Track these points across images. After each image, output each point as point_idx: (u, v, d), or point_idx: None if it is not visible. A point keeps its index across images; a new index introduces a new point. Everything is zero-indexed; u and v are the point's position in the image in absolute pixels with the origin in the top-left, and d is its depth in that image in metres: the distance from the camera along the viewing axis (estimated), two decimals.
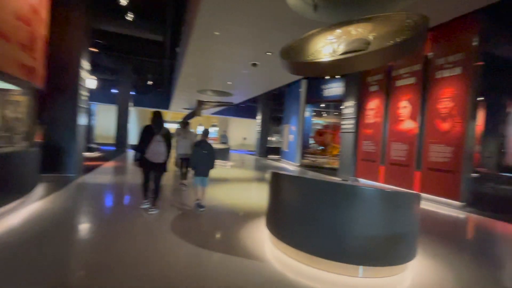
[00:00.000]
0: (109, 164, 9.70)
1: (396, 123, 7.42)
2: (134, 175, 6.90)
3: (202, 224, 3.90)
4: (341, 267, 2.44)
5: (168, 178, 7.08)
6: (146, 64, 14.93)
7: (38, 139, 5.16)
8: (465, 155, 5.68)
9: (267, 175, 9.77)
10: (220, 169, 10.02)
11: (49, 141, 5.87)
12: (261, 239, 3.20)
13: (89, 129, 18.43)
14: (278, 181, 3.06)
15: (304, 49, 3.24)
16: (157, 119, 3.95)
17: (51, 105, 6.02)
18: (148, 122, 4.03)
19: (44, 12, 4.57)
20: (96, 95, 18.47)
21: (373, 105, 8.31)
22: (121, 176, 8.13)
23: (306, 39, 3.46)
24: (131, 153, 11.81)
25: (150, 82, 18.24)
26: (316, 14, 3.58)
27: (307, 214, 2.63)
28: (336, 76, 12.48)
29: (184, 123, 6.49)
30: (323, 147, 15.68)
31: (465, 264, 2.98)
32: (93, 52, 10.08)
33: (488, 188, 8.17)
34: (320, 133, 16.31)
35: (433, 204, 5.92)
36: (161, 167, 4.01)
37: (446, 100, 6.13)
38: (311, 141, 16.79)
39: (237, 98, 16.51)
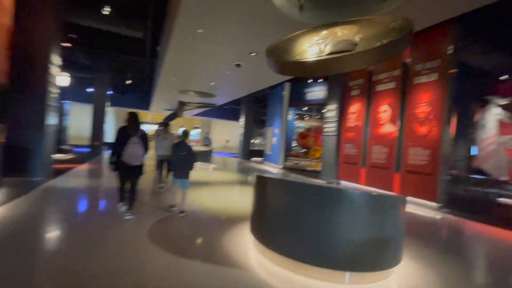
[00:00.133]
0: (83, 167, 9.12)
1: (377, 126, 7.60)
2: (109, 179, 6.50)
3: (182, 230, 3.69)
4: (328, 274, 2.36)
5: (147, 181, 6.76)
6: (125, 62, 14.31)
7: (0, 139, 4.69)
8: (441, 158, 5.90)
9: (251, 178, 9.64)
10: (202, 171, 9.75)
11: (12, 141, 5.36)
12: (246, 246, 3.06)
13: (62, 129, 17.40)
14: (263, 185, 2.95)
15: (290, 49, 3.17)
16: (133, 120, 3.79)
17: (16, 102, 5.52)
18: (124, 123, 3.83)
19: (7, 0, 4.17)
20: (70, 94, 17.49)
21: (355, 108, 8.47)
22: (96, 179, 7.65)
23: (292, 39, 3.40)
24: (107, 155, 11.24)
25: (129, 81, 17.53)
26: (302, 15, 3.54)
27: (293, 219, 2.53)
28: (319, 80, 12.67)
29: (165, 124, 6.43)
30: (305, 150, 15.84)
31: (449, 266, 3.01)
32: (66, 47, 9.50)
33: (460, 189, 8.60)
34: (303, 135, 16.49)
35: (411, 206, 6.08)
36: (138, 170, 3.84)
37: (423, 104, 6.35)
38: (294, 143, 16.92)
39: (220, 100, 16.27)
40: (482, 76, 10.37)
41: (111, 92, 18.15)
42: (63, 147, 12.91)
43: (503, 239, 4.29)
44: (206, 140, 13.34)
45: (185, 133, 4.36)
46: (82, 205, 4.76)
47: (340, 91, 9.05)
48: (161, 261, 2.58)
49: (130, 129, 3.72)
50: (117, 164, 3.70)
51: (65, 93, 15.59)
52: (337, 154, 8.97)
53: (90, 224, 3.60)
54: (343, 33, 2.99)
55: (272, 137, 14.13)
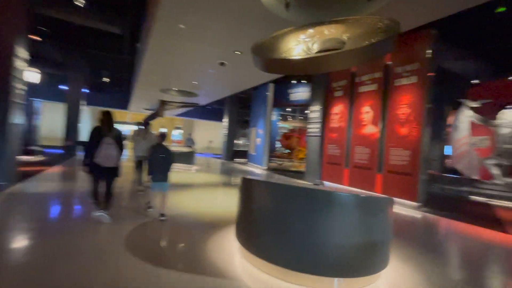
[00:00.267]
0: (54, 170, 8.51)
1: (359, 127, 7.72)
2: (83, 182, 6.08)
3: (162, 236, 3.47)
4: (316, 280, 2.27)
5: (125, 183, 6.40)
6: (102, 59, 13.60)
7: None
8: (421, 158, 6.07)
9: (234, 180, 9.47)
10: (184, 173, 9.44)
11: None
12: (231, 253, 2.91)
13: (31, 129, 16.25)
14: (249, 188, 2.82)
15: (276, 46, 3.07)
16: (107, 119, 3.61)
17: None
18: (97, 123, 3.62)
19: None
20: (42, 91, 16.40)
21: (338, 110, 8.57)
22: (67, 183, 7.14)
23: (278, 37, 3.31)
24: (81, 156, 10.61)
25: (106, 79, 16.72)
26: (288, 13, 3.47)
27: (281, 223, 2.42)
28: (303, 81, 12.76)
29: (145, 124, 6.24)
30: (289, 151, 15.90)
31: (434, 266, 3.03)
32: (35, 40, 8.84)
33: (435, 188, 8.98)
34: (286, 136, 16.55)
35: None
36: (113, 172, 3.64)
37: (404, 106, 6.51)
38: (278, 144, 16.94)
39: (203, 99, 15.94)
40: (456, 80, 10.93)
41: (87, 90, 17.22)
42: (33, 148, 12.02)
43: (479, 237, 4.45)
44: (189, 141, 12.97)
45: (163, 135, 4.29)
46: (51, 212, 4.37)
47: (324, 92, 9.12)
48: (138, 272, 2.37)
49: (104, 129, 3.54)
50: (91, 165, 3.50)
51: (35, 90, 14.59)
52: (321, 154, 9.03)
53: (60, 232, 3.28)
54: (330, 32, 2.93)
55: (256, 138, 14.04)
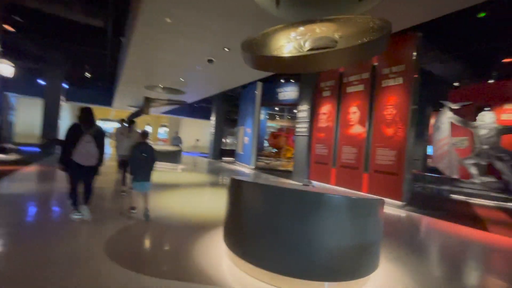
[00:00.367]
0: (30, 169, 8.04)
1: (347, 127, 7.79)
2: (61, 182, 5.76)
3: (145, 239, 3.32)
4: (306, 285, 2.22)
5: (108, 183, 6.12)
6: (83, 53, 12.99)
7: None
8: (406, 158, 6.19)
9: (222, 179, 9.33)
10: (170, 173, 9.20)
11: None
12: (218, 257, 2.81)
13: (6, 125, 15.33)
14: (237, 189, 2.72)
15: (267, 44, 2.99)
16: (85, 116, 3.48)
17: None
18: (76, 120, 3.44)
19: None
20: (17, 86, 15.50)
21: (326, 109, 8.61)
22: (45, 183, 6.75)
23: (268, 34, 3.23)
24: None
25: (88, 74, 16.02)
26: (279, 10, 3.39)
27: (270, 226, 2.35)
28: (291, 80, 12.76)
29: (129, 122, 6.05)
30: (277, 150, 15.91)
31: (422, 266, 3.06)
32: (8, 31, 8.30)
33: (418, 187, 9.25)
34: (274, 135, 16.55)
35: None
36: (91, 171, 3.50)
37: (390, 107, 6.62)
38: (266, 143, 16.92)
39: (190, 97, 15.61)
40: (438, 82, 11.31)
41: (67, 85, 16.45)
42: (6, 146, 11.34)
43: (460, 235, 4.58)
44: (176, 140, 12.65)
45: (145, 134, 4.17)
46: (26, 215, 4.08)
47: (312, 92, 9.14)
48: (119, 278, 2.22)
49: (83, 125, 3.40)
50: (68, 164, 3.33)
51: (9, 85, 13.77)
52: (309, 154, 9.05)
53: (35, 237, 3.05)
54: (322, 30, 2.88)
55: (244, 137, 13.92)
